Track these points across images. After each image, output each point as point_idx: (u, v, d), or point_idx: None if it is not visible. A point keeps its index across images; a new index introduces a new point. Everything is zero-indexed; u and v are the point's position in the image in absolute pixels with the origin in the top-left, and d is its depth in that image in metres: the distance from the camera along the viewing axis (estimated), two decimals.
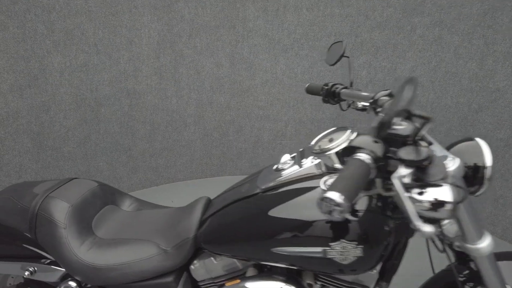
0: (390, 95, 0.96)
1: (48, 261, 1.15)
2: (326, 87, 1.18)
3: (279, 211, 0.89)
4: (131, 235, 1.12)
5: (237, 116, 2.97)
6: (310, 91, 1.30)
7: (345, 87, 1.16)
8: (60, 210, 1.09)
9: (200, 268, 1.07)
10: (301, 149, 1.06)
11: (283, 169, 0.98)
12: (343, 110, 1.20)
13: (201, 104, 2.88)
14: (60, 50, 2.29)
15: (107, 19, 2.40)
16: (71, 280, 1.12)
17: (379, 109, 0.96)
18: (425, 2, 2.25)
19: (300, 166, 0.94)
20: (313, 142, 1.06)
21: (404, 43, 2.40)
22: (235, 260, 1.02)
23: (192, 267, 1.08)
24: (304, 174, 0.92)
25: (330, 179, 0.87)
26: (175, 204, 1.45)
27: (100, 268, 1.04)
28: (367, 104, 1.15)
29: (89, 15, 2.33)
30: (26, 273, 1.13)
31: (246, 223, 0.94)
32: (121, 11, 2.43)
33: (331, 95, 1.17)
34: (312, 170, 0.92)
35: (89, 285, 1.14)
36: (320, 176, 0.91)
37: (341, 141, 0.89)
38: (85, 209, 1.16)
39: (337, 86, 1.17)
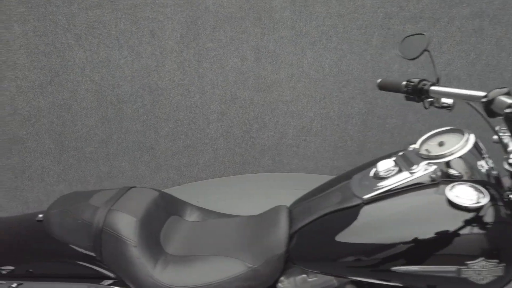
0: (508, 93, 0.87)
1: (111, 281, 1.05)
2: (412, 84, 1.09)
3: (395, 224, 0.80)
4: (207, 251, 1.02)
5: (261, 112, 2.86)
6: (385, 87, 1.21)
7: (433, 84, 1.07)
8: (127, 226, 0.98)
9: (289, 287, 0.98)
10: (401, 153, 0.97)
11: (386, 177, 0.88)
12: (426, 108, 1.12)
13: (225, 100, 2.77)
14: (81, 44, 2.15)
15: (129, 10, 2.26)
16: None
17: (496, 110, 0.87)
18: None
19: (411, 173, 0.85)
20: (417, 145, 0.97)
21: (440, 35, 2.32)
22: (332, 277, 0.94)
23: (280, 285, 0.99)
24: (419, 183, 0.83)
25: (457, 186, 0.78)
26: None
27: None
28: (451, 101, 1.07)
29: (111, 6, 2.19)
30: None
31: (349, 237, 0.85)
32: (143, 1, 2.29)
33: (417, 92, 1.08)
34: (427, 178, 0.83)
35: None
36: (437, 184, 0.82)
37: (459, 147, 0.81)
38: (152, 223, 1.05)
39: (424, 82, 1.08)
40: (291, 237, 0.96)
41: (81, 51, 2.16)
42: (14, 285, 1.07)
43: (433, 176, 0.84)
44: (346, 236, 0.85)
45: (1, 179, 2.00)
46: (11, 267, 1.06)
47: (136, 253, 0.96)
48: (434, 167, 0.84)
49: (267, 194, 2.72)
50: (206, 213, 1.21)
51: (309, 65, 2.70)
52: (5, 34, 1.87)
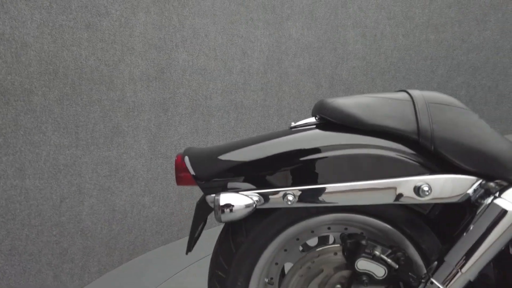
0: None
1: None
2: None
3: None
4: None
5: None
6: None
7: None
8: (456, 101, 0.82)
9: None
10: None
11: None
12: None
13: None
14: (186, 47, 2.10)
15: (227, 26, 2.31)
16: None
17: None
18: None
19: None
20: None
21: (504, 61, 2.60)
22: None
23: None
24: None
25: None
26: None
27: None
28: None
29: (214, 18, 2.23)
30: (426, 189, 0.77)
31: None
32: (239, 20, 2.37)
33: None
34: None
35: None
36: None
37: None
38: None
39: None
40: None
41: (185, 54, 2.10)
42: (297, 192, 0.79)
43: None
44: None
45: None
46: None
47: (486, 124, 0.79)
48: None
49: None
50: None
51: None
52: (132, 19, 1.78)
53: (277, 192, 0.76)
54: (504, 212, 0.70)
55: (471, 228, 0.73)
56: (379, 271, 0.79)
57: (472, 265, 0.71)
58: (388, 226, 0.86)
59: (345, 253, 0.84)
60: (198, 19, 2.15)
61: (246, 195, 0.76)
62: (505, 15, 2.57)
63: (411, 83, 2.78)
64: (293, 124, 0.90)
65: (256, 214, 0.84)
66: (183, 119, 2.11)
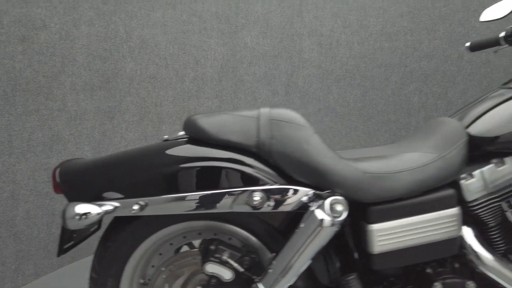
0: None
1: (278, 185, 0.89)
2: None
3: None
4: (387, 151, 0.94)
5: None
6: (477, 47, 1.34)
7: None
8: (299, 118, 0.90)
9: (476, 182, 0.90)
10: None
11: None
12: None
13: None
14: (134, 57, 2.18)
15: (178, 36, 2.39)
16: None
17: None
18: (469, 33, 2.60)
19: None
20: None
21: (452, 69, 2.67)
22: None
23: (464, 181, 0.91)
24: None
25: None
26: None
27: (374, 175, 0.83)
28: None
29: (164, 28, 2.32)
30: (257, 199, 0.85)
31: None
32: (192, 30, 2.45)
33: None
34: None
35: None
36: None
37: None
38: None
39: None
40: (466, 128, 0.94)
41: (132, 63, 2.18)
42: (142, 202, 0.88)
43: None
44: None
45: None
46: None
47: (318, 139, 0.86)
48: None
49: None
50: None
51: (335, 100, 2.88)
52: (73, 32, 1.87)
53: (126, 202, 0.84)
54: (320, 221, 0.78)
55: (293, 236, 0.80)
56: (226, 274, 0.86)
57: (290, 270, 0.78)
58: (250, 235, 0.93)
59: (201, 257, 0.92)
60: (147, 29, 2.24)
61: (97, 204, 0.83)
62: (452, 25, 2.64)
63: (366, 90, 2.85)
64: (165, 137, 0.98)
65: (125, 220, 0.92)
66: (131, 126, 2.19)
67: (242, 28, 2.66)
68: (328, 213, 0.77)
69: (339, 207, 0.77)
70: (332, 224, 0.76)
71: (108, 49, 2.05)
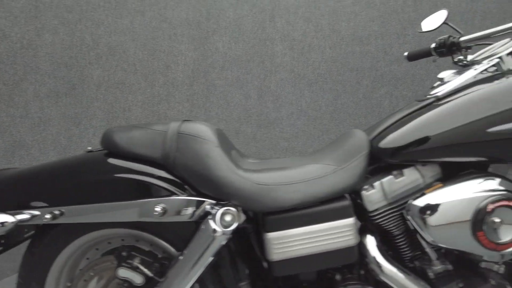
0: None
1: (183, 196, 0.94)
2: (441, 40, 1.26)
3: (473, 103, 0.87)
4: (289, 163, 0.99)
5: (262, 148, 2.92)
6: (414, 57, 1.38)
7: (461, 36, 1.25)
8: (206, 131, 0.94)
9: (376, 193, 0.94)
10: (455, 70, 1.09)
11: (448, 81, 0.98)
12: (455, 63, 1.27)
13: (228, 135, 2.83)
14: (101, 64, 2.24)
15: (148, 42, 2.44)
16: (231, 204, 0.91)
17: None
18: (437, 37, 2.63)
19: (475, 69, 0.96)
20: (469, 58, 1.09)
21: (421, 72, 2.70)
22: (419, 176, 0.93)
23: (364, 192, 0.95)
24: (488, 73, 0.93)
25: None
26: None
27: (267, 187, 0.88)
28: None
29: (133, 35, 2.37)
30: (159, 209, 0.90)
31: (434, 126, 0.89)
32: (161, 36, 2.50)
33: (448, 46, 1.23)
34: (493, 69, 0.94)
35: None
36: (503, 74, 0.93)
37: (509, 45, 0.95)
38: (225, 141, 1.02)
39: (453, 36, 1.26)
40: (371, 140, 0.98)
41: (100, 70, 2.23)
42: (57, 212, 0.93)
43: (499, 67, 0.94)
44: (431, 125, 0.89)
45: None
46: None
47: (220, 152, 0.91)
48: (497, 60, 0.96)
49: None
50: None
51: (307, 104, 2.92)
52: (36, 40, 1.92)
53: (43, 211, 0.89)
54: (212, 231, 0.82)
55: (190, 244, 0.85)
56: (137, 279, 0.91)
57: (185, 277, 0.83)
58: (166, 244, 0.98)
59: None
60: (115, 36, 2.29)
61: (12, 214, 0.88)
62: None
63: (338, 94, 2.89)
64: (89, 148, 1.03)
65: (48, 227, 0.97)
66: (98, 131, 2.25)
67: (213, 33, 2.70)
68: (218, 223, 0.81)
69: (228, 218, 0.82)
70: (222, 234, 0.81)
71: (74, 57, 2.11)
